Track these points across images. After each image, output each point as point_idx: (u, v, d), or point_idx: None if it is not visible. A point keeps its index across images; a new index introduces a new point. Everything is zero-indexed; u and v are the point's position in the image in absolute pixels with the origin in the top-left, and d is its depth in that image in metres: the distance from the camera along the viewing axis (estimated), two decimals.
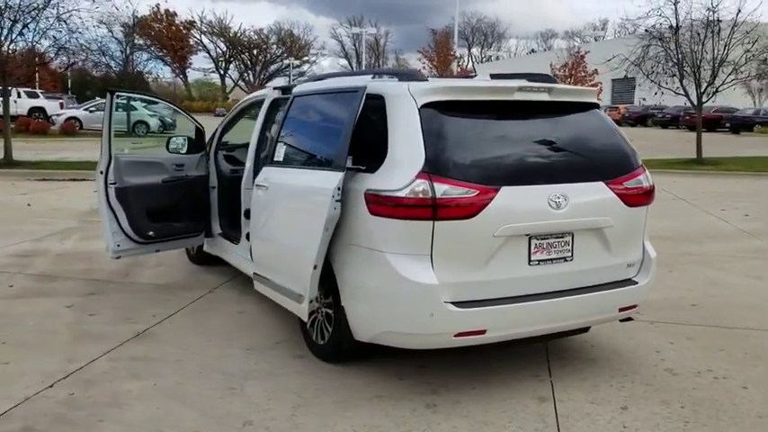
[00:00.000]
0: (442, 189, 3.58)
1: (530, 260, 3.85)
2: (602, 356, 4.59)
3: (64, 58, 18.27)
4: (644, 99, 42.99)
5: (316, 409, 3.73)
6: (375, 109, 3.94)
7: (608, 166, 4.14)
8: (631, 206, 4.13)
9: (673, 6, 19.04)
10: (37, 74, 32.09)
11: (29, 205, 10.64)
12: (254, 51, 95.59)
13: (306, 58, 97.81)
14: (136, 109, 29.56)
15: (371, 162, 3.87)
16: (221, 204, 6.43)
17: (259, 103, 6.16)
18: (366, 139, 3.92)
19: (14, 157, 16.25)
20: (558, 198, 3.85)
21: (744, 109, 41.72)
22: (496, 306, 3.73)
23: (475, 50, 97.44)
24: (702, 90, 18.96)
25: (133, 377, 4.13)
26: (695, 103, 19.41)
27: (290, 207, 4.30)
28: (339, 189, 3.78)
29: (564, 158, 4.05)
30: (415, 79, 4.03)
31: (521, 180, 3.81)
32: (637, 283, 4.22)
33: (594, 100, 4.35)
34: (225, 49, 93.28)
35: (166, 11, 79.21)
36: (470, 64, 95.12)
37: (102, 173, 5.69)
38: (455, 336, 3.69)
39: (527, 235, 3.81)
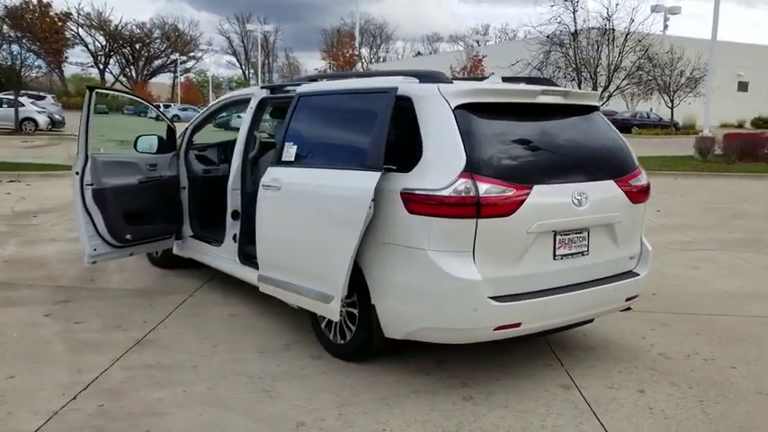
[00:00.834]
0: (484, 188, 3.71)
1: (554, 255, 4.06)
2: (598, 345, 4.88)
3: None
4: None
5: (360, 408, 3.77)
6: (401, 110, 4.00)
7: (615, 165, 4.42)
8: (634, 203, 4.43)
9: (571, 14, 20.16)
10: None
11: None
12: (137, 46, 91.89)
13: (192, 54, 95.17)
14: (23, 105, 27.75)
15: (401, 162, 3.93)
16: (193, 205, 6.26)
17: (238, 103, 6.08)
18: (393, 140, 3.98)
19: None
20: (580, 196, 4.07)
21: (622, 112, 44.52)
22: (530, 300, 3.91)
23: (364, 51, 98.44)
24: (600, 94, 20.18)
25: (157, 385, 3.99)
26: None
27: (313, 207, 4.26)
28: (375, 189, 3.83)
29: (581, 158, 4.29)
30: (439, 81, 4.13)
31: (549, 179, 4.01)
32: (638, 274, 4.53)
33: (597, 103, 4.63)
34: (104, 42, 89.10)
35: (39, 1, 74.70)
36: (361, 65, 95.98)
37: (77, 173, 5.41)
38: (494, 329, 3.84)
39: (553, 231, 4.01)
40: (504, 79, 4.54)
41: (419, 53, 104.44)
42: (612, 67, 19.87)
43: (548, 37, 20.44)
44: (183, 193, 6.22)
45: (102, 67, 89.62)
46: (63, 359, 4.34)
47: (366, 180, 3.88)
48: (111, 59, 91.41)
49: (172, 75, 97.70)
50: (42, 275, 6.31)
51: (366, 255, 4.05)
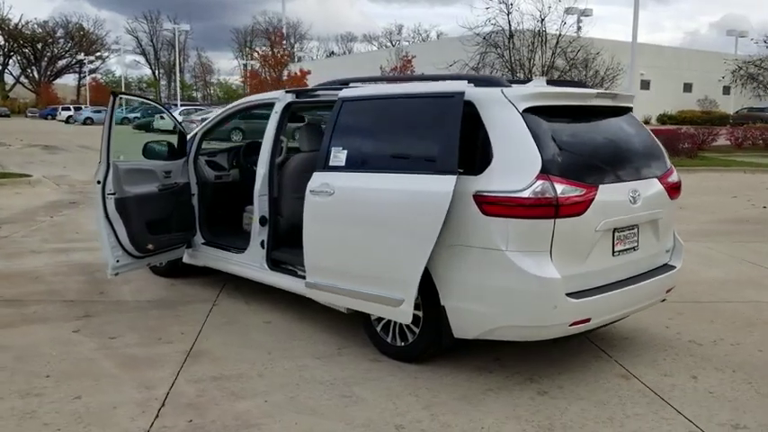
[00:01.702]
0: (561, 188, 3.85)
1: (613, 251, 4.24)
2: (631, 335, 5.11)
3: None
4: None
5: (446, 408, 3.83)
6: (463, 114, 4.08)
7: (656, 163, 4.66)
8: (672, 199, 4.68)
9: (506, 16, 20.73)
10: None
11: None
12: (39, 45, 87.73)
13: (99, 54, 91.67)
14: None
15: (467, 165, 4.01)
16: (205, 212, 6.13)
17: (255, 107, 5.99)
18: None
19: None
20: (634, 193, 4.28)
21: None
22: (599, 295, 4.08)
23: (260, 51, 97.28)
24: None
25: (235, 396, 3.92)
26: None
27: (376, 212, 4.26)
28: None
29: (631, 157, 4.50)
30: (498, 85, 4.23)
31: (608, 178, 4.19)
32: (675, 267, 4.78)
33: (632, 105, 4.85)
34: (2, 42, 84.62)
35: None
36: (257, 64, 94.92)
37: (99, 182, 5.21)
38: (570, 325, 3.98)
39: (614, 228, 4.20)
40: (549, 82, 4.69)
41: (332, 53, 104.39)
42: (545, 68, 20.56)
43: (484, 38, 20.95)
44: (192, 200, 6.07)
45: (0, 68, 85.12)
46: (121, 376, 4.18)
47: (439, 183, 3.94)
48: (11, 60, 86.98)
49: (77, 75, 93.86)
50: (45, 290, 6.01)
51: (435, 257, 4.09)
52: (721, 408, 3.89)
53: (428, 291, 4.19)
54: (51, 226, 9.14)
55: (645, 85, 64.10)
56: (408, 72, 32.62)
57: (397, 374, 4.28)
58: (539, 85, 4.43)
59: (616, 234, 4.24)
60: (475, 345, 4.31)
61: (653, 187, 4.50)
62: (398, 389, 4.07)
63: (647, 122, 53.02)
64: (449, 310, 4.14)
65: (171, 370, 4.28)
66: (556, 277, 3.85)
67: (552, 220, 3.85)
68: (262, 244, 5.42)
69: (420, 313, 4.31)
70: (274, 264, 5.41)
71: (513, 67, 20.50)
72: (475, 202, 3.95)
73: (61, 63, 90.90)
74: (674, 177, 4.74)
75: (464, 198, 3.97)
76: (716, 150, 24.62)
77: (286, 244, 5.50)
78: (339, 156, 4.61)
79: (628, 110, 4.77)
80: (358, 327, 4.82)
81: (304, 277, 5.07)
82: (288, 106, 5.42)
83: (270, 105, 5.58)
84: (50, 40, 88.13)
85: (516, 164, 3.92)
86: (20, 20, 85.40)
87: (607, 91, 4.50)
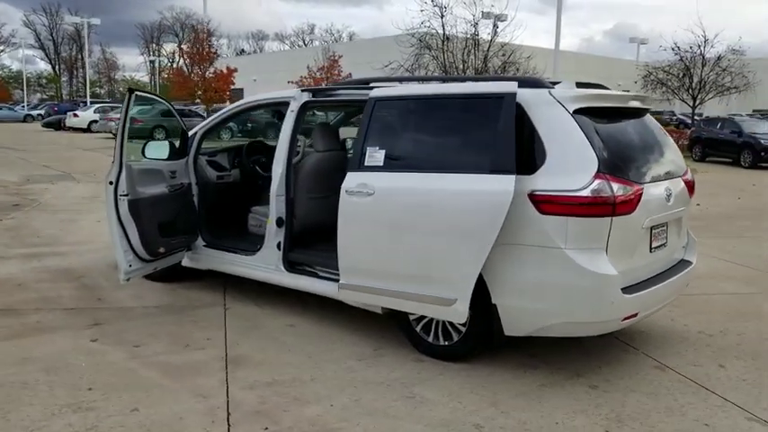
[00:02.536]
0: (616, 187, 3.98)
1: (651, 247, 4.42)
2: (647, 329, 5.31)
3: None
4: None
5: (511, 404, 3.88)
6: None
7: (678, 162, 4.89)
8: (690, 196, 4.92)
9: (440, 19, 21.05)
10: None
11: None
12: None
13: None
14: None
15: (518, 164, 4.07)
16: (207, 214, 5.94)
17: (266, 106, 5.86)
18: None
19: None
20: (668, 191, 4.48)
21: None
22: (646, 290, 4.24)
23: (186, 47, 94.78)
24: None
25: (299, 401, 3.84)
26: None
27: (425, 211, 4.23)
28: None
29: (662, 156, 4.70)
30: (542, 86, 4.32)
31: (650, 177, 4.37)
32: (692, 262, 5.02)
33: (651, 106, 5.07)
34: None
35: None
36: (181, 60, 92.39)
37: (111, 183, 4.96)
38: (622, 320, 4.13)
39: (652, 226, 4.37)
40: (578, 84, 4.83)
41: (243, 51, 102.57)
42: (478, 71, 21.01)
43: (419, 40, 21.19)
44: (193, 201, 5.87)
45: None
46: (169, 385, 4.00)
47: (497, 183, 3.99)
48: None
49: None
50: (36, 298, 5.65)
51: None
52: (760, 394, 4.13)
53: (478, 289, 4.22)
54: (6, 230, 8.58)
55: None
56: (336, 73, 32.60)
57: (447, 374, 4.30)
58: (570, 87, 4.54)
59: (653, 231, 4.41)
60: (507, 343, 4.39)
61: (679, 185, 4.72)
62: (455, 388, 4.09)
63: None
64: (501, 309, 4.19)
65: (218, 377, 4.13)
66: (614, 273, 3.98)
67: (609, 218, 3.97)
68: (278, 245, 5.30)
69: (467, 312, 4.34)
70: (291, 265, 5.31)
71: (447, 70, 20.84)
72: (530, 200, 4.01)
73: None
74: (689, 176, 4.98)
75: (519, 197, 4.02)
76: None
77: (300, 245, 5.41)
78: (376, 156, 4.57)
79: (647, 111, 4.98)
80: (385, 327, 4.85)
81: (325, 278, 5.05)
82: (304, 105, 5.33)
83: (282, 104, 5.48)
84: None
85: (572, 163, 4.02)
86: None
87: (640, 94, 4.69)
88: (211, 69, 30.30)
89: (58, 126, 37.68)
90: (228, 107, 5.98)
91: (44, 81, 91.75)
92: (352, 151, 5.04)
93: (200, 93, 30.13)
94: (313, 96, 5.38)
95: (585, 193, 3.92)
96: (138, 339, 4.73)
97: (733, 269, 7.41)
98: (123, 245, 5.04)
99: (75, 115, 35.92)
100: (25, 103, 63.53)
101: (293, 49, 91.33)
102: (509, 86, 4.20)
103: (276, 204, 5.28)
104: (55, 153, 21.98)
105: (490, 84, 4.37)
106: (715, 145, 23.68)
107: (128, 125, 4.90)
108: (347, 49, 40.44)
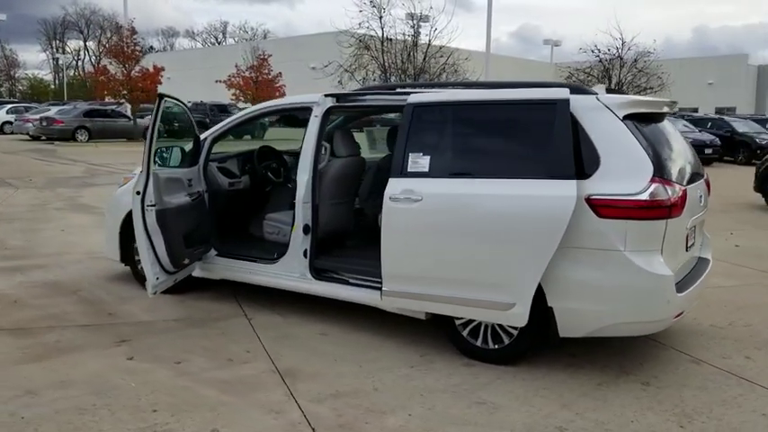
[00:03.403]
0: (670, 190, 4.12)
1: (686, 247, 4.60)
2: None
3: None
4: None
5: (583, 405, 3.94)
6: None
7: (699, 164, 5.10)
8: (708, 196, 5.15)
9: (379, 20, 21.11)
10: None
11: None
12: None
13: None
14: None
15: None
16: (219, 222, 5.75)
17: (285, 111, 5.73)
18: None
19: None
20: (700, 192, 4.68)
21: None
22: (690, 288, 4.42)
23: (91, 44, 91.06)
24: None
25: (373, 413, 3.77)
26: None
27: (482, 216, 4.24)
28: None
29: (691, 158, 4.89)
30: (586, 92, 4.42)
31: (688, 179, 4.55)
32: (709, 260, 5.25)
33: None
34: None
35: None
36: (87, 58, 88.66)
37: (138, 193, 4.72)
38: (674, 318, 4.28)
39: (690, 227, 4.56)
40: (608, 90, 4.95)
41: (151, 48, 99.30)
42: (417, 71, 21.22)
43: (359, 40, 21.16)
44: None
45: None
46: (234, 402, 3.85)
47: (557, 188, 4.05)
48: None
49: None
50: (41, 315, 5.31)
51: None
52: None
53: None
54: None
55: None
56: (265, 72, 32.16)
57: (503, 378, 4.32)
58: (602, 93, 4.67)
59: (688, 231, 4.59)
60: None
61: (704, 186, 4.93)
62: (520, 391, 4.12)
63: None
64: (557, 311, 4.26)
65: (279, 392, 4.02)
66: (670, 274, 4.12)
67: (665, 221, 4.11)
68: (305, 253, 5.20)
69: None
70: (318, 272, 5.22)
71: (387, 71, 20.92)
72: (588, 204, 4.10)
73: None
74: (707, 176, 5.21)
75: (576, 201, 4.10)
76: None
77: (324, 252, 5.33)
78: (420, 162, 4.55)
79: (666, 116, 5.17)
80: (423, 332, 4.89)
81: (359, 285, 5.00)
82: (328, 111, 5.24)
83: (303, 109, 5.38)
84: None
85: (627, 168, 4.13)
86: None
87: (669, 100, 4.87)
88: (137, 68, 29.22)
89: None
90: (243, 112, 5.78)
91: None
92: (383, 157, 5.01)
93: (125, 93, 28.99)
94: (337, 102, 5.30)
95: (644, 196, 4.04)
96: (176, 355, 4.53)
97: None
98: (150, 257, 4.81)
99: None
100: None
101: (210, 46, 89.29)
102: (562, 93, 4.26)
103: (303, 211, 5.17)
104: None
105: (541, 90, 4.42)
106: None
107: (156, 132, 4.67)
108: (275, 47, 39.77)
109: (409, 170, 4.55)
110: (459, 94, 4.82)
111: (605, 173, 4.14)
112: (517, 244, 4.16)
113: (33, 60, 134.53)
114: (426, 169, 4.52)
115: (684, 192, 4.29)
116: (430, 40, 21.14)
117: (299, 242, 5.21)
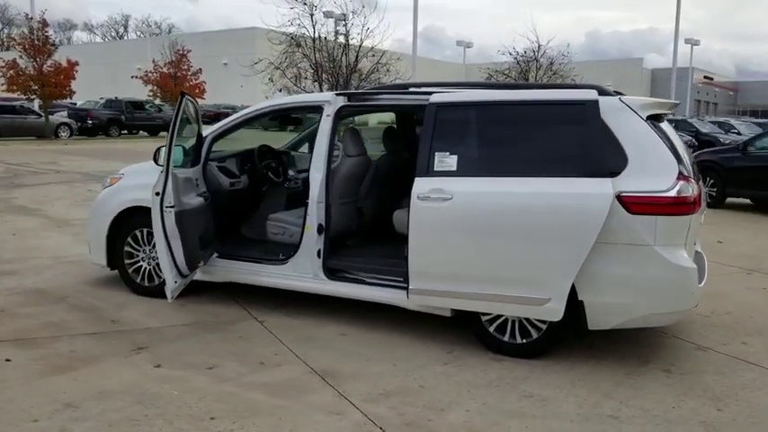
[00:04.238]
0: (692, 187, 4.36)
1: (694, 241, 4.87)
2: None
3: None
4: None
5: (622, 394, 4.10)
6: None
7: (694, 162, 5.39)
8: None
9: (309, 18, 20.95)
10: None
11: None
12: None
13: None
14: None
15: None
16: (221, 222, 5.60)
17: (291, 110, 5.66)
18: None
19: None
20: (704, 189, 4.96)
21: None
22: (703, 281, 4.67)
23: (18, 38, 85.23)
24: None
25: (431, 410, 3.81)
26: None
27: (515, 214, 4.33)
28: None
29: (692, 157, 5.16)
30: (607, 93, 4.60)
31: (696, 176, 4.80)
32: (702, 253, 5.56)
33: None
34: None
35: None
36: None
37: (157, 194, 4.54)
38: (693, 308, 4.52)
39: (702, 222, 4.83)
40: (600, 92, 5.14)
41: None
42: (348, 70, 21.19)
43: (292, 38, 20.89)
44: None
45: None
46: (290, 406, 3.79)
47: (590, 186, 4.21)
48: None
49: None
50: (39, 325, 5.01)
51: None
52: None
53: None
54: None
55: None
56: (186, 67, 31.23)
57: (536, 371, 4.42)
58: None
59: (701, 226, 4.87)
60: None
61: (701, 184, 5.22)
62: (559, 383, 4.24)
63: None
64: (587, 305, 4.41)
65: (328, 393, 3.98)
66: (694, 266, 4.35)
67: (689, 216, 4.34)
68: (318, 253, 5.15)
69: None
70: (331, 272, 5.18)
71: (319, 69, 20.81)
72: (619, 201, 4.27)
73: None
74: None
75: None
76: None
77: (333, 252, 5.30)
78: (447, 161, 4.60)
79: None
80: (442, 329, 4.96)
81: (377, 284, 5.01)
82: (340, 110, 5.21)
83: (313, 108, 5.33)
84: None
85: (654, 166, 4.33)
86: None
87: (673, 101, 5.14)
88: (49, 62, 27.74)
89: None
90: (249, 109, 5.62)
91: None
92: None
93: (36, 88, 27.44)
94: (348, 101, 5.27)
95: (672, 193, 4.25)
96: (204, 361, 4.39)
97: None
98: (169, 261, 4.63)
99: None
100: None
101: (112, 41, 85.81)
102: (590, 94, 4.42)
103: (317, 211, 5.12)
104: None
105: (569, 91, 4.57)
106: None
107: (177, 131, 4.51)
108: (195, 42, 38.57)
109: (436, 169, 4.59)
110: (485, 95, 4.90)
111: (633, 171, 4.32)
112: (553, 240, 4.27)
113: None
114: (454, 168, 4.58)
115: (700, 188, 4.54)
116: (362, 39, 21.20)
117: (313, 242, 5.15)
